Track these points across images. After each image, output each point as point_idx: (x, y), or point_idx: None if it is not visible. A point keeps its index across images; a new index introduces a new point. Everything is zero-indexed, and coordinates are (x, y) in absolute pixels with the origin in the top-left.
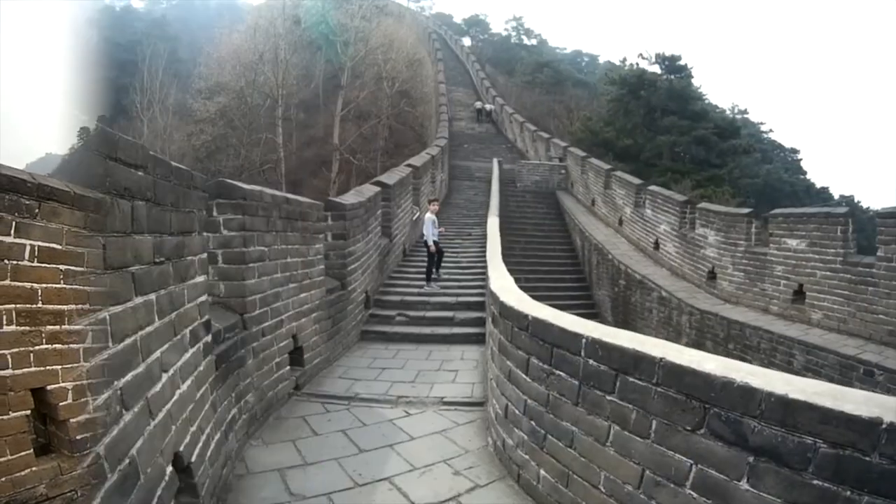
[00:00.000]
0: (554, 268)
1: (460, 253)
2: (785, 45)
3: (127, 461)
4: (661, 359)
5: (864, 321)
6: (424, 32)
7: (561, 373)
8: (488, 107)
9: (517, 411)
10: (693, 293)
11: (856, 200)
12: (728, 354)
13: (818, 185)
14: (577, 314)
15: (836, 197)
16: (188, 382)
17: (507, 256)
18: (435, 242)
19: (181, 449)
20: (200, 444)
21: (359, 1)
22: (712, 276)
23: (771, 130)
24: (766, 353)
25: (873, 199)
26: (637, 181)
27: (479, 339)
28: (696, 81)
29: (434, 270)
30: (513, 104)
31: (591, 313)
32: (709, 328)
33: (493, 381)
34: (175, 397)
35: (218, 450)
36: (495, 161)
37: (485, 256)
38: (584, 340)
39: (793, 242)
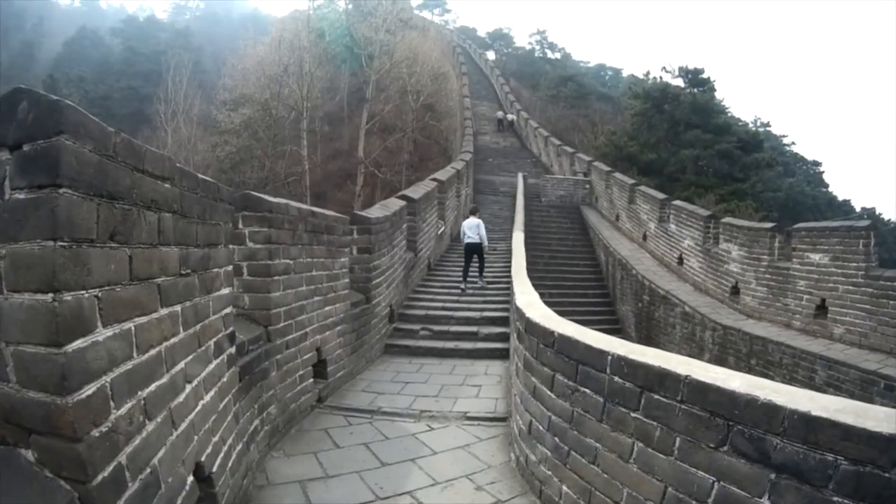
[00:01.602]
0: (578, 283)
1: (485, 268)
2: (806, 59)
3: (148, 470)
4: (686, 376)
5: (885, 335)
6: (449, 46)
7: (586, 389)
8: (510, 117)
9: (541, 427)
10: (716, 308)
11: (877, 212)
12: (750, 370)
13: (840, 198)
14: (601, 329)
15: (858, 209)
16: (211, 393)
17: (531, 271)
18: (471, 245)
19: (203, 459)
20: (222, 455)
21: (383, 14)
22: (735, 291)
23: (793, 143)
24: (789, 369)
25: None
26: (661, 196)
27: (503, 355)
28: (718, 94)
29: (463, 280)
30: (537, 118)
31: (615, 329)
32: (731, 344)
33: (517, 396)
34: (198, 408)
35: (239, 460)
36: (520, 176)
37: (509, 271)
38: (609, 357)
39: (815, 257)
